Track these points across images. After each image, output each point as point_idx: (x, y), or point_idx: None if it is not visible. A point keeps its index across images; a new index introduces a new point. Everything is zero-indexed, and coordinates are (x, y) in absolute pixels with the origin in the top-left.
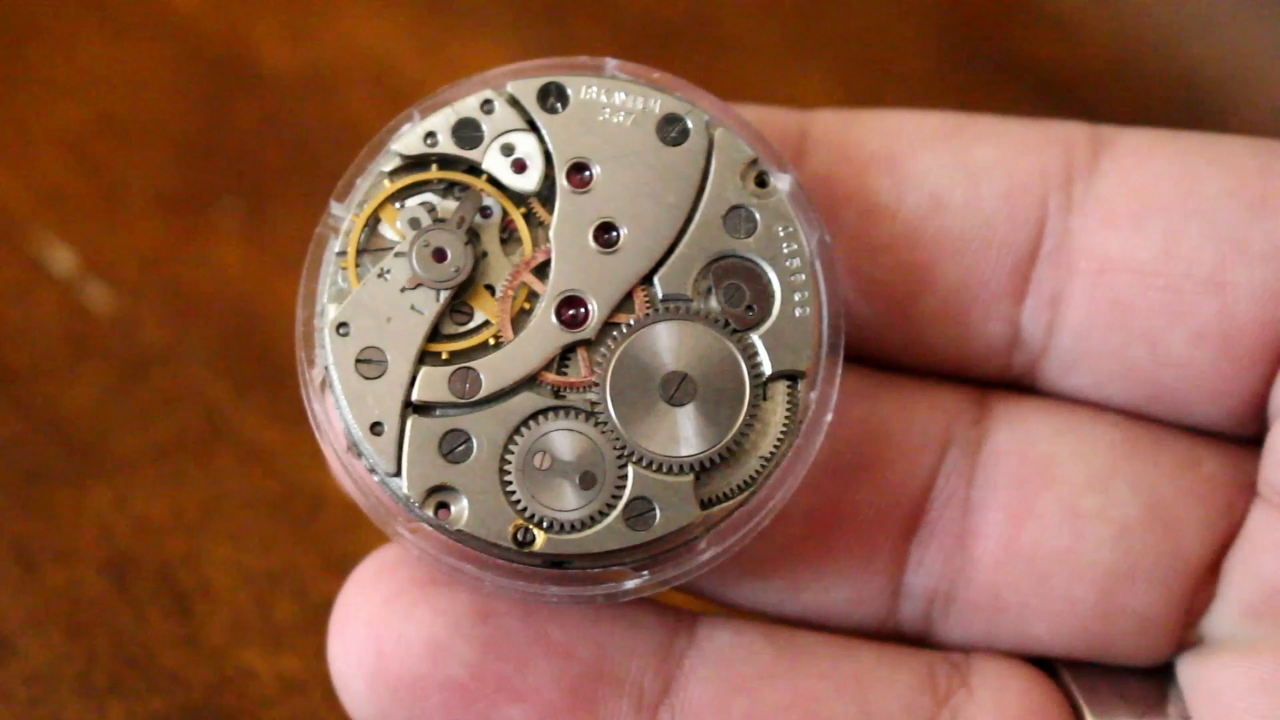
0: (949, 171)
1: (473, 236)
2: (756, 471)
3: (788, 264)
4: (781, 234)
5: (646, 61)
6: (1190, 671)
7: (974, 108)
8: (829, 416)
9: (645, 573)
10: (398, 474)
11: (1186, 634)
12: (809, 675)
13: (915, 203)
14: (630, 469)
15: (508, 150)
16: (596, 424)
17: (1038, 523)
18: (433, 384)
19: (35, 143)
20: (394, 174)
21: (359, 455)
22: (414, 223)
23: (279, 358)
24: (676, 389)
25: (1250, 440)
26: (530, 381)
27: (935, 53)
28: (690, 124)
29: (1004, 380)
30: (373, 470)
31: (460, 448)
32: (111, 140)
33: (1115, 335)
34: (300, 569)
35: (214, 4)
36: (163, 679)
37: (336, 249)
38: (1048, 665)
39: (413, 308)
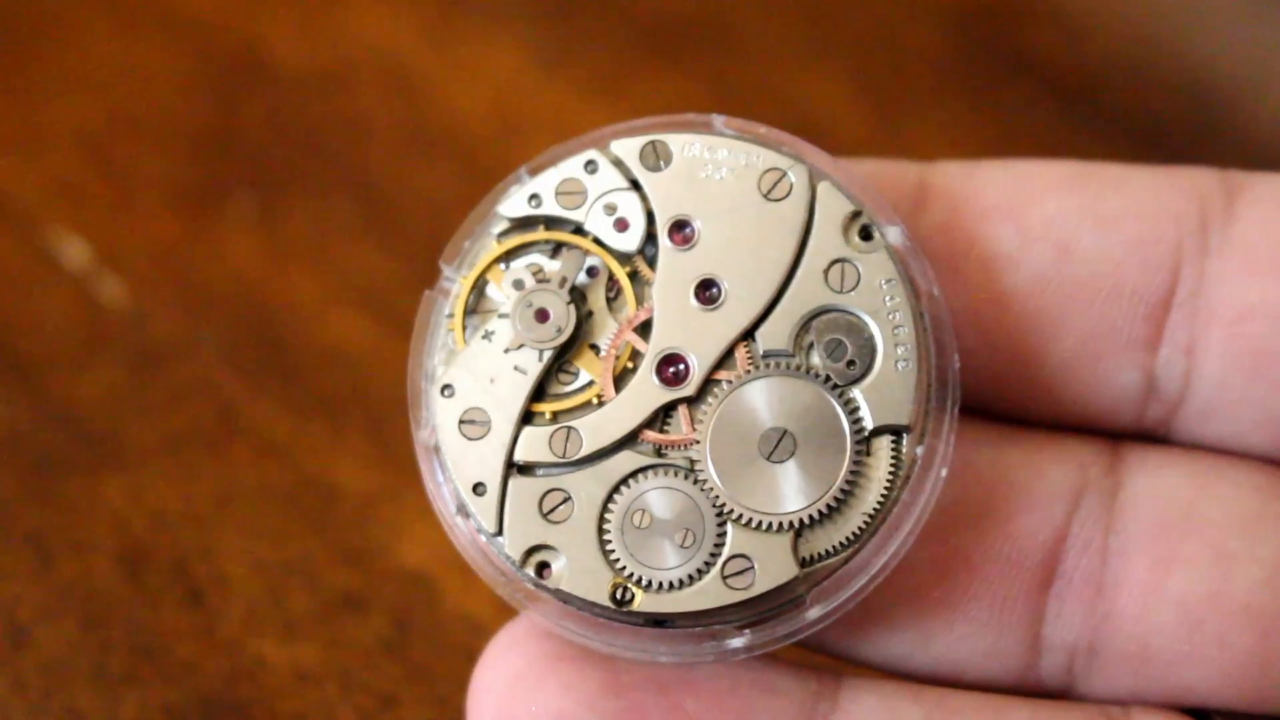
0: (1075, 219)
1: (577, 296)
2: (860, 528)
3: (890, 317)
4: (884, 287)
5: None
6: None
7: (986, 106)
8: (943, 471)
9: (747, 631)
10: (500, 533)
11: None
12: None
13: (1040, 251)
14: (729, 526)
15: (610, 210)
16: (695, 481)
17: (1184, 567)
18: (534, 444)
19: (49, 137)
20: (501, 236)
21: (466, 516)
22: (517, 284)
23: (292, 350)
24: (776, 445)
25: None
26: (631, 440)
27: (947, 51)
28: (793, 178)
29: (1136, 432)
30: (480, 530)
31: (560, 507)
32: (124, 135)
33: (1257, 384)
34: (314, 560)
35: (227, 0)
36: (177, 669)
37: (445, 311)
38: (1203, 717)
39: (516, 368)
